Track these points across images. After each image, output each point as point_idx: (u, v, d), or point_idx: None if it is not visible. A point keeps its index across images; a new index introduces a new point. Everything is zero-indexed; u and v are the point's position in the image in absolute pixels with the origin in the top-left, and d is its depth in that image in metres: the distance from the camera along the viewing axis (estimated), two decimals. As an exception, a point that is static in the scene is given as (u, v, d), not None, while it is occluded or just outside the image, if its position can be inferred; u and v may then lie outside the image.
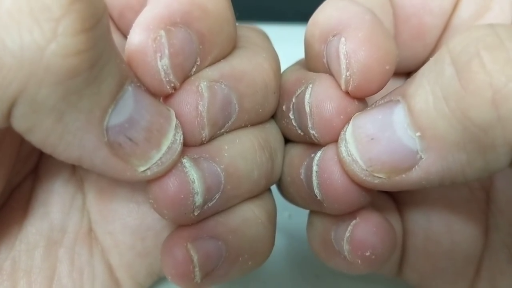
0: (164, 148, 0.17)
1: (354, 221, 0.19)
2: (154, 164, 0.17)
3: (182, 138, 0.17)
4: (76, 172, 0.23)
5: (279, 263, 0.27)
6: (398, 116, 0.17)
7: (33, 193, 0.22)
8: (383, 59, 0.17)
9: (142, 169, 0.16)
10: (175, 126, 0.17)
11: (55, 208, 0.22)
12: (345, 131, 0.18)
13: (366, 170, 0.17)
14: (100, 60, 0.14)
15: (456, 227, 0.22)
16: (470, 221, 0.22)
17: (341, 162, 0.18)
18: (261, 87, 0.19)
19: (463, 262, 0.22)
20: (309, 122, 0.19)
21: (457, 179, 0.16)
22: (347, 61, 0.17)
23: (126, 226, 0.22)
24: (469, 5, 0.22)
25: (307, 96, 0.19)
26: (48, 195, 0.22)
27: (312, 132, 0.19)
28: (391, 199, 0.23)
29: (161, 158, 0.17)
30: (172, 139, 0.17)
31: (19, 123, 0.14)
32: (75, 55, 0.13)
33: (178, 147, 0.17)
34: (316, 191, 0.19)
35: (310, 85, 0.19)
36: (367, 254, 0.18)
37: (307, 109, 0.19)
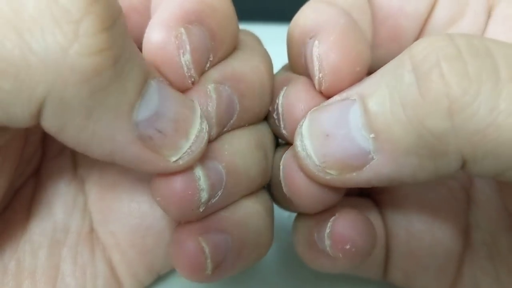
0: (192, 137, 0.17)
1: (333, 217, 0.20)
2: (184, 153, 0.17)
3: (207, 127, 0.18)
4: (77, 173, 0.23)
5: (279, 263, 0.27)
6: (354, 115, 0.17)
7: (35, 195, 0.22)
8: (353, 61, 0.18)
9: (174, 159, 0.17)
10: (200, 115, 0.18)
11: (58, 209, 0.22)
12: (301, 125, 0.18)
13: (319, 165, 0.17)
14: (122, 57, 0.15)
15: (436, 225, 0.22)
16: (450, 220, 0.22)
17: (296, 157, 0.18)
18: (258, 88, 0.20)
19: (445, 259, 0.22)
20: (281, 122, 0.20)
21: (406, 181, 0.17)
22: (319, 63, 0.18)
23: (127, 226, 0.23)
24: (444, 10, 0.22)
25: (280, 97, 0.20)
26: (51, 197, 0.22)
27: (283, 132, 0.20)
28: (371, 201, 0.24)
29: (190, 146, 0.17)
30: (198, 127, 0.17)
31: (50, 123, 0.15)
32: (97, 53, 0.14)
33: (206, 135, 0.18)
34: (285, 188, 0.20)
35: (285, 87, 0.20)
36: (347, 247, 0.19)
37: (280, 110, 0.20)
